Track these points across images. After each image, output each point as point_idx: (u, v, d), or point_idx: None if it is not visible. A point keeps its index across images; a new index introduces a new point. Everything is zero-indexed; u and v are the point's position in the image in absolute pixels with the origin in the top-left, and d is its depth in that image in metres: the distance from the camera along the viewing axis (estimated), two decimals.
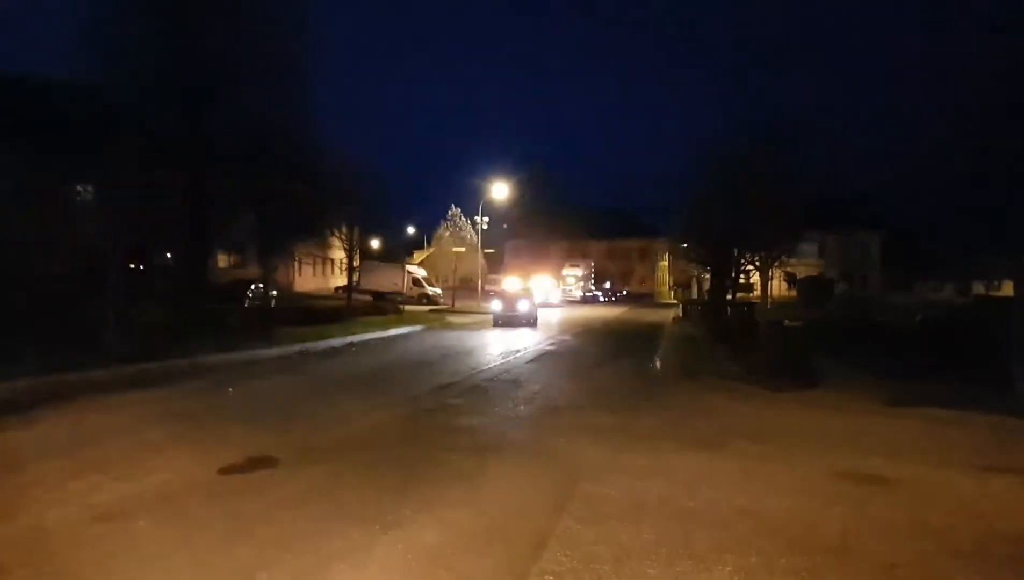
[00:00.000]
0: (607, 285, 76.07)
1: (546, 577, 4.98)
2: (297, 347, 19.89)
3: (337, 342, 22.18)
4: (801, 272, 59.45)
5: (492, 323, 32.21)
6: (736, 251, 38.86)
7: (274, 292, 30.59)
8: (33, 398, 11.11)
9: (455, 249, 57.23)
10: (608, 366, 18.83)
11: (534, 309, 33.83)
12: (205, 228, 29.58)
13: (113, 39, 21.81)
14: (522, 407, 12.03)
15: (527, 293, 35.86)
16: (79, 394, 11.74)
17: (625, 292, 78.02)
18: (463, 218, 65.99)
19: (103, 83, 20.44)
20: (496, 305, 33.67)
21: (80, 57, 21.49)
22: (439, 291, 53.29)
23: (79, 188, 23.79)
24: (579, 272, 69.61)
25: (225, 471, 7.51)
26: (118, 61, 21.47)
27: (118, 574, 4.96)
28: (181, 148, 22.81)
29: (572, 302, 61.16)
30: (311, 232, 32.83)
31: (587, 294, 67.38)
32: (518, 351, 21.49)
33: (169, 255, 36.62)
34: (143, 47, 22.38)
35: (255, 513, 6.22)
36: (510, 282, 37.86)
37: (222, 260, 40.71)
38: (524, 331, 29.43)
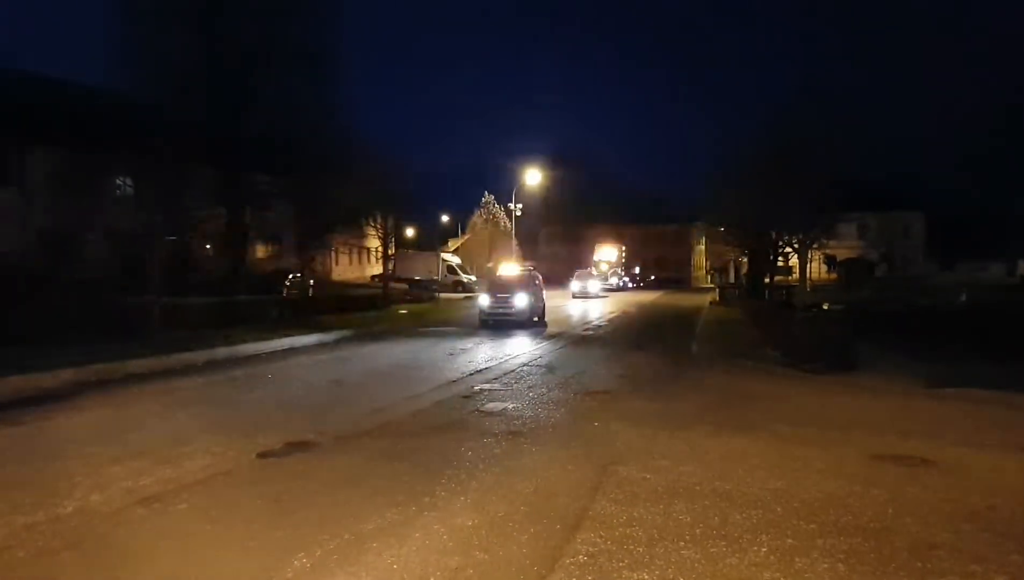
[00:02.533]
0: (636, 270, 70.08)
1: (580, 558, 4.99)
2: (334, 335, 20.13)
3: (374, 329, 22.39)
4: (841, 254, 58.38)
5: (478, 324, 24.80)
6: (773, 234, 38.27)
7: (311, 281, 30.94)
8: (77, 386, 11.44)
9: (484, 233, 56.15)
10: (643, 351, 18.74)
11: (537, 303, 25.96)
12: (242, 220, 30.16)
13: (148, 45, 22.31)
14: (556, 392, 12.03)
15: (528, 283, 26.03)
16: (121, 382, 12.05)
17: (652, 277, 72.15)
18: (497, 205, 65.79)
19: (140, 86, 20.88)
20: (484, 300, 25.24)
21: (118, 63, 22.03)
22: (474, 278, 53.42)
23: (118, 182, 24.33)
24: (612, 255, 62.66)
25: (264, 455, 7.65)
26: (154, 65, 21.95)
27: (160, 556, 5.08)
28: (217, 143, 23.19)
29: (609, 290, 53.91)
30: (347, 222, 33.20)
31: (621, 281, 61.18)
32: (556, 336, 21.52)
33: (208, 246, 37.34)
34: (177, 51, 22.84)
35: (293, 496, 6.32)
36: (506, 269, 28.90)
37: (260, 250, 41.34)
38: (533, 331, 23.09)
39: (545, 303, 27.45)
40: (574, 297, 45.21)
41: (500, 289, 25.49)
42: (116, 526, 5.60)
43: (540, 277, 28.84)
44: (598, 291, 48.23)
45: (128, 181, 29.75)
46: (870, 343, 16.72)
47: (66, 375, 11.78)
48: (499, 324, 24.02)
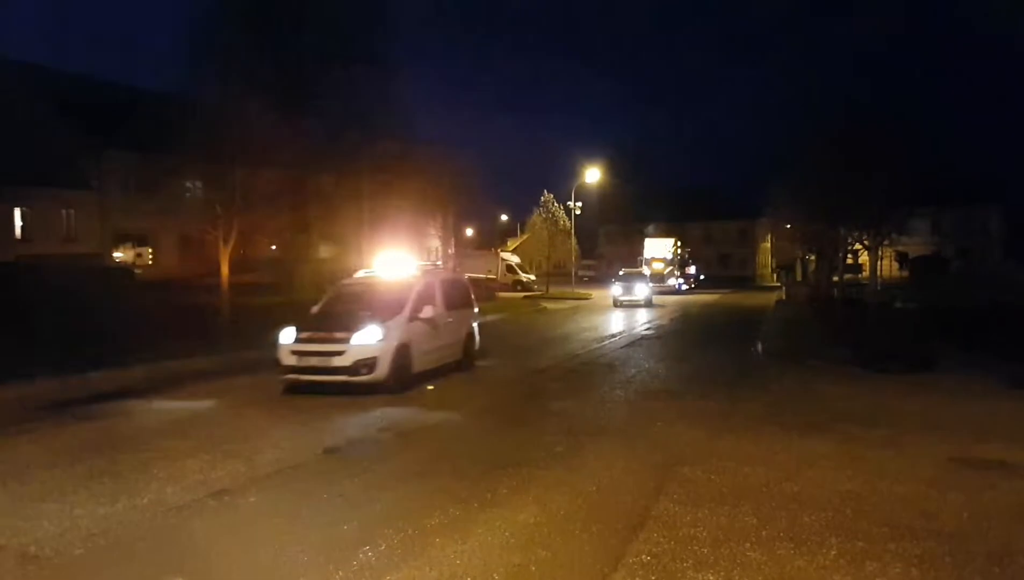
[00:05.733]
0: (692, 269, 59.28)
1: (644, 557, 4.94)
2: None
3: None
4: (913, 251, 56.42)
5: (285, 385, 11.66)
6: (842, 230, 37.21)
7: None
8: (150, 382, 11.81)
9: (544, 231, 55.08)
10: (707, 352, 18.45)
11: (429, 344, 12.53)
12: (306, 220, 30.86)
13: (215, 50, 23.06)
14: (618, 392, 11.95)
15: (403, 301, 12.29)
16: (192, 379, 12.41)
17: (703, 277, 62.39)
18: (556, 204, 65.65)
19: (209, 90, 21.50)
20: (287, 337, 11.66)
21: (188, 68, 22.81)
22: (533, 277, 53.47)
23: (188, 185, 25.12)
24: (666, 251, 52.04)
25: (330, 451, 7.80)
26: (220, 70, 22.65)
27: (230, 547, 5.22)
28: (282, 146, 23.75)
29: (663, 292, 44.06)
30: (408, 222, 33.55)
31: (677, 283, 51.26)
32: (613, 336, 21.38)
33: (274, 247, 38.29)
34: (242, 56, 23.54)
35: (358, 491, 6.43)
36: (367, 273, 14.45)
37: (324, 250, 42.20)
38: None
39: (470, 339, 14.48)
40: (616, 305, 34.97)
41: (330, 317, 12.38)
42: (189, 518, 5.78)
43: (461, 285, 15.63)
44: (646, 296, 36.37)
45: (198, 184, 30.78)
46: (945, 342, 16.14)
47: (140, 372, 12.21)
48: (303, 385, 11.30)
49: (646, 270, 45.15)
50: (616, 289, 36.20)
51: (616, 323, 26.08)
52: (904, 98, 32.65)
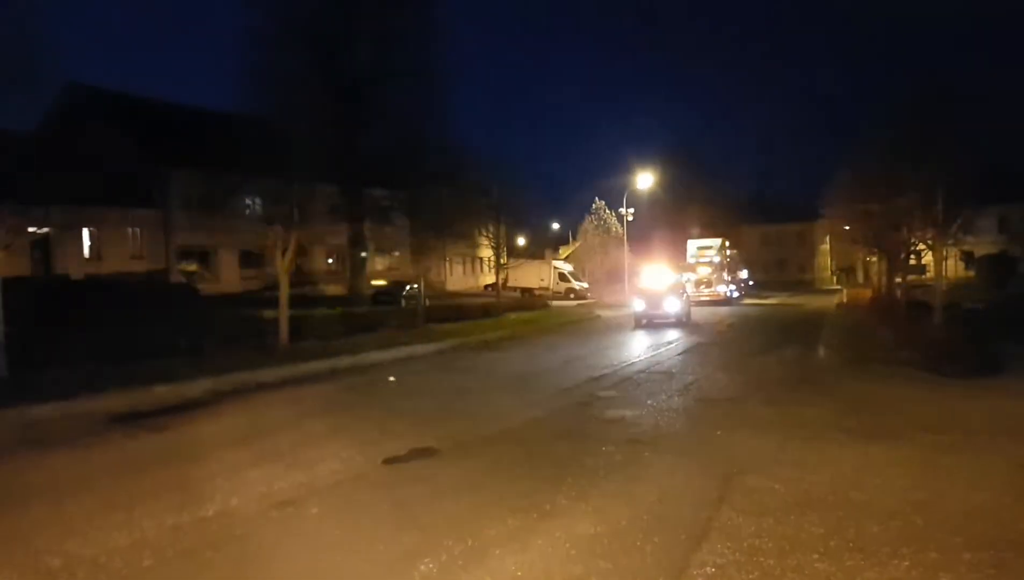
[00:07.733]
0: (744, 274, 53.41)
1: (708, 568, 4.86)
2: (451, 343, 20.49)
3: (488, 337, 22.65)
4: (979, 250, 54.44)
5: None
6: (905, 230, 36.12)
7: (426, 292, 31.62)
8: (215, 395, 12.10)
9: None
10: (768, 355, 18.11)
11: None
12: (362, 233, 31.37)
13: (272, 69, 23.75)
14: (676, 399, 11.79)
15: None
16: (255, 391, 12.66)
17: (751, 282, 56.53)
18: (608, 211, 65.24)
19: (267, 109, 22.07)
20: None
21: (247, 88, 23.51)
22: (586, 285, 53.21)
23: (248, 201, 25.76)
24: (714, 252, 45.73)
25: (389, 461, 7.86)
26: (278, 88, 23.30)
27: (293, 558, 5.30)
28: (339, 161, 24.22)
29: (705, 302, 38.88)
30: (460, 233, 33.78)
31: (728, 290, 44.28)
32: (669, 343, 21.15)
33: (331, 260, 39.01)
34: (299, 74, 24.18)
35: (418, 501, 6.46)
36: None
37: (379, 263, 42.82)
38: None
39: None
40: (638, 325, 27.05)
41: None
42: (253, 528, 5.89)
43: None
44: (679, 311, 27.42)
45: (257, 200, 31.56)
46: (1016, 345, 15.56)
47: (204, 385, 12.51)
48: None
49: (688, 276, 39.59)
50: (637, 303, 27.96)
51: (671, 330, 25.74)
52: (971, 87, 31.32)
